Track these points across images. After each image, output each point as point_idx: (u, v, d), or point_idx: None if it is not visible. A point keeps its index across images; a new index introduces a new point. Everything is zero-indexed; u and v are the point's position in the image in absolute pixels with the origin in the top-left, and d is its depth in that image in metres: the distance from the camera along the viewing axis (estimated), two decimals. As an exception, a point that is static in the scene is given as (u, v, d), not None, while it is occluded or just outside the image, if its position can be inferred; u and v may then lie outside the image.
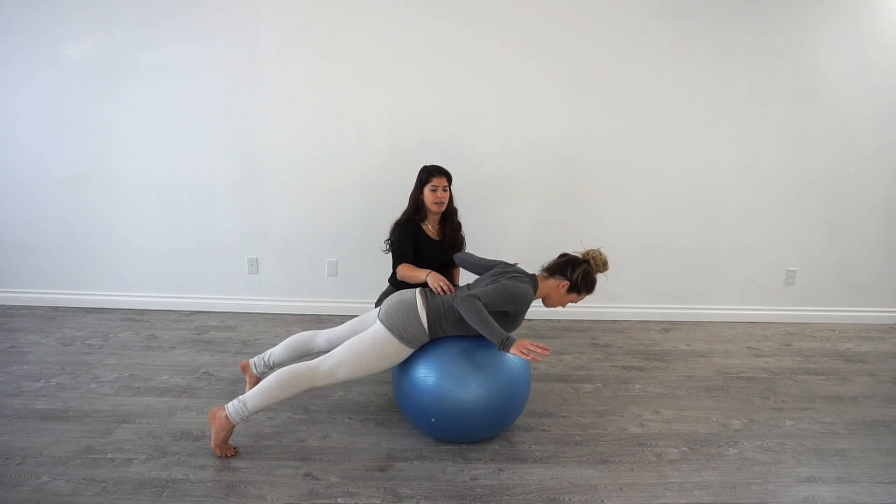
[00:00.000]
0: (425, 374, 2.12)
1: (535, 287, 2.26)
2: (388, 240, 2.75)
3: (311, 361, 2.14)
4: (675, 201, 3.74)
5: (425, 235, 2.71)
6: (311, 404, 2.52)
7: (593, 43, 3.49)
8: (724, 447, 2.30)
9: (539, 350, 1.93)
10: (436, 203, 2.66)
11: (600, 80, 3.54)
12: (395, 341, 2.13)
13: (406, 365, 2.20)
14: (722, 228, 3.80)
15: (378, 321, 2.19)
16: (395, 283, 2.70)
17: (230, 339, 3.28)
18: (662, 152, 3.66)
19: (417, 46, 3.44)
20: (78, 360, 2.91)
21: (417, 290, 2.27)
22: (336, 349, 2.17)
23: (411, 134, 3.54)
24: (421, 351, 2.18)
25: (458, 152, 3.50)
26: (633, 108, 3.59)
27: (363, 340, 2.14)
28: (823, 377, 3.03)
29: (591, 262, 2.30)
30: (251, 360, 2.47)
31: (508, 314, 2.17)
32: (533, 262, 2.43)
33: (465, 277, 2.72)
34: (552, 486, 2.00)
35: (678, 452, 2.25)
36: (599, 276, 2.33)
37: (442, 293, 2.24)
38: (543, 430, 2.38)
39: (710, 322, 3.88)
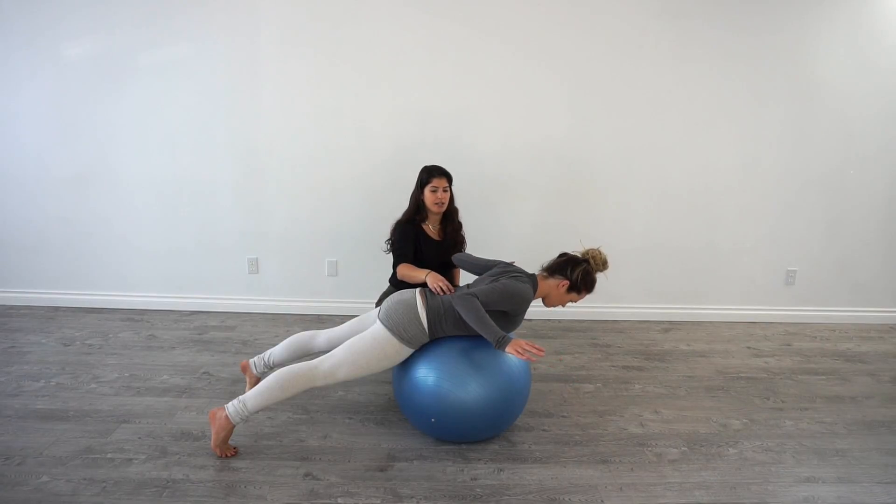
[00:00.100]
0: (425, 374, 2.12)
1: (535, 287, 2.26)
2: (388, 240, 2.76)
3: (311, 361, 2.14)
4: (675, 201, 3.74)
5: (426, 236, 2.71)
6: (311, 404, 2.52)
7: (593, 43, 3.49)
8: (724, 447, 2.30)
9: (534, 350, 1.93)
10: (436, 204, 2.66)
11: (600, 80, 3.54)
12: (395, 341, 2.13)
13: (406, 365, 2.20)
14: (722, 228, 3.80)
15: (378, 321, 2.19)
16: (396, 284, 2.70)
17: (230, 339, 3.28)
18: (662, 152, 3.66)
19: (417, 46, 3.44)
20: (78, 360, 2.91)
21: (417, 290, 2.27)
22: (336, 349, 2.17)
23: (411, 134, 3.54)
24: (421, 351, 2.18)
25: (458, 152, 3.50)
26: (633, 108, 3.59)
27: (363, 340, 2.14)
28: (823, 377, 3.03)
29: (591, 261, 2.30)
30: (251, 360, 2.47)
31: (508, 314, 2.17)
32: (533, 262, 2.43)
33: (466, 278, 2.72)
34: (552, 486, 2.00)
35: (678, 452, 2.25)
36: (599, 276, 2.33)
37: (441, 293, 2.24)
38: (543, 430, 2.38)
39: (710, 322, 3.88)
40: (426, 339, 2.17)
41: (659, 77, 3.55)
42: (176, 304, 3.75)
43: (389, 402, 2.57)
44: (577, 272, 2.25)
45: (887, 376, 3.07)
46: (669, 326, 3.78)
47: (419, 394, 2.12)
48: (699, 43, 3.52)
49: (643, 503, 1.94)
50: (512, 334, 2.35)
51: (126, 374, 2.77)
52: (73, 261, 3.70)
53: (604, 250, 2.34)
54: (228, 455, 2.11)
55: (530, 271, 2.33)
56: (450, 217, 2.78)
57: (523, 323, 3.61)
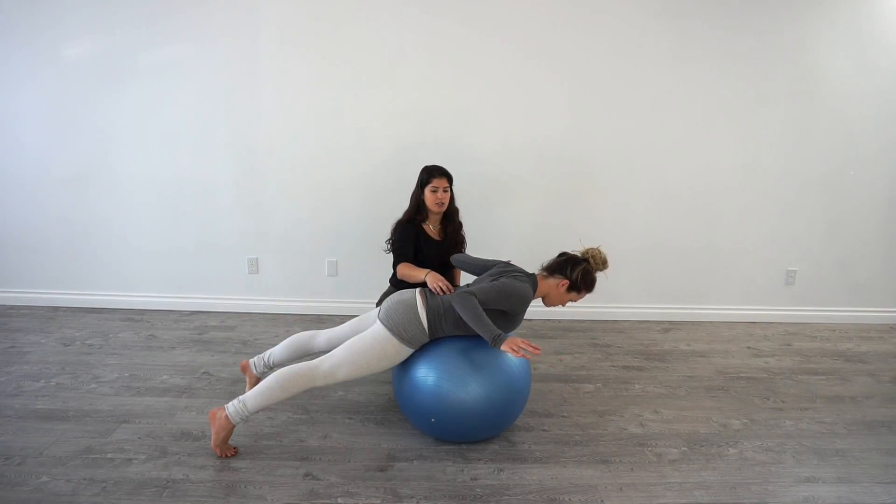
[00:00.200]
0: (425, 374, 2.12)
1: (535, 286, 2.26)
2: (389, 240, 2.76)
3: (311, 361, 2.14)
4: (675, 201, 3.74)
5: (426, 235, 2.71)
6: (311, 404, 2.52)
7: (593, 43, 3.49)
8: (724, 447, 2.30)
9: (530, 348, 1.93)
10: (437, 204, 2.66)
11: (600, 80, 3.54)
12: (395, 341, 2.13)
13: (406, 365, 2.20)
14: (722, 228, 3.80)
15: (378, 321, 2.19)
16: (396, 283, 2.70)
17: (230, 339, 3.28)
18: (662, 152, 3.66)
19: (417, 46, 3.44)
20: (78, 360, 2.91)
21: (417, 290, 2.27)
22: (336, 349, 2.17)
23: (411, 134, 3.54)
24: (421, 351, 2.18)
25: (458, 152, 3.50)
26: (633, 108, 3.59)
27: (363, 340, 2.14)
28: (823, 377, 3.03)
29: (591, 260, 2.30)
30: (251, 360, 2.47)
31: (507, 313, 2.17)
32: (533, 262, 2.43)
33: (466, 278, 2.72)
34: (552, 486, 2.00)
35: (678, 452, 2.25)
36: (599, 275, 2.33)
37: (441, 293, 2.24)
38: (543, 430, 2.38)
39: (710, 322, 3.88)
40: (426, 339, 2.17)
41: (659, 77, 3.55)
42: (176, 304, 3.75)
43: (389, 402, 2.57)
44: (577, 271, 2.26)
45: (887, 376, 3.07)
46: (669, 326, 3.78)
47: (419, 394, 2.12)
48: (699, 43, 3.52)
49: (643, 503, 1.94)
50: (511, 334, 2.35)
51: (126, 374, 2.77)
52: (73, 261, 3.70)
53: (603, 250, 2.34)
54: (228, 455, 2.11)
55: (530, 271, 2.34)
56: (450, 217, 2.78)
57: (523, 323, 3.61)
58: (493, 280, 2.20)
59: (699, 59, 3.54)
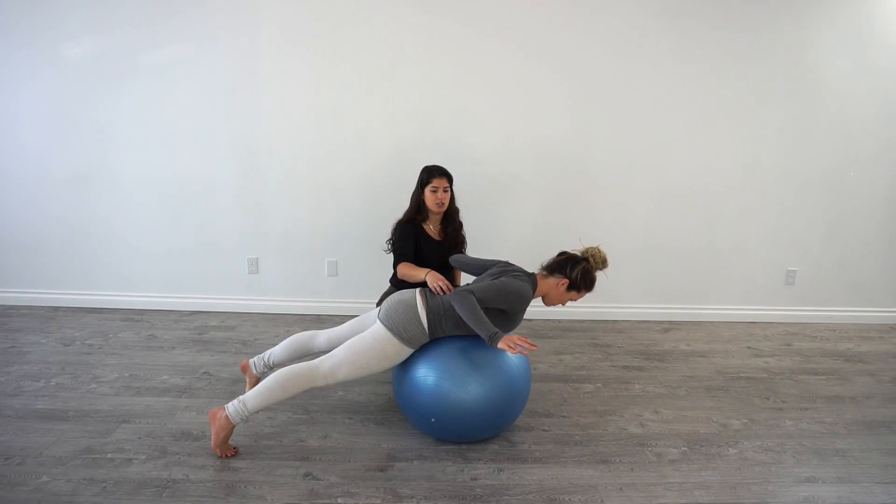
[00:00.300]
0: (425, 374, 2.12)
1: (534, 286, 2.26)
2: (389, 240, 2.76)
3: (311, 361, 2.14)
4: (675, 201, 3.74)
5: (427, 235, 2.71)
6: (311, 404, 2.52)
7: (593, 43, 3.49)
8: (724, 447, 2.30)
9: (526, 345, 1.93)
10: (437, 204, 2.66)
11: (600, 80, 3.54)
12: (395, 341, 2.13)
13: (406, 365, 2.20)
14: (722, 228, 3.80)
15: (378, 321, 2.19)
16: (397, 283, 2.70)
17: (230, 339, 3.28)
18: (662, 152, 3.66)
19: (417, 47, 3.44)
20: (78, 360, 2.91)
21: (417, 290, 2.27)
22: (336, 349, 2.17)
23: (411, 134, 3.54)
24: (421, 351, 2.18)
25: (458, 152, 3.50)
26: (633, 108, 3.59)
27: (363, 340, 2.14)
28: (823, 377, 3.03)
29: (591, 259, 2.30)
30: (251, 360, 2.47)
31: (507, 313, 2.17)
32: (533, 262, 2.43)
33: (467, 278, 2.72)
34: (552, 486, 2.00)
35: (678, 452, 2.25)
36: (599, 274, 2.33)
37: (441, 293, 2.24)
38: (543, 430, 2.38)
39: (710, 322, 3.88)
40: (426, 339, 2.17)
41: (659, 77, 3.55)
42: (176, 304, 3.75)
43: (389, 402, 2.57)
44: (577, 270, 2.26)
45: (887, 376, 3.07)
46: (669, 326, 3.78)
47: (419, 394, 2.12)
48: (699, 43, 3.52)
49: (643, 503, 1.94)
50: (510, 333, 2.35)
51: (126, 374, 2.77)
52: (73, 261, 3.70)
53: (603, 249, 2.34)
54: (228, 455, 2.11)
55: (530, 270, 2.34)
56: (450, 217, 2.78)
57: (523, 323, 3.61)
58: (494, 279, 2.20)
59: (699, 59, 3.54)
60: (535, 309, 2.48)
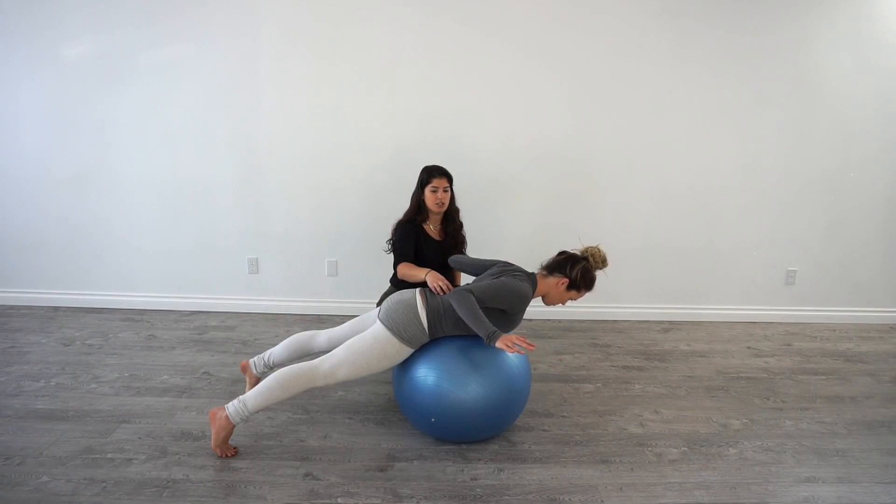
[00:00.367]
0: (425, 373, 2.12)
1: (534, 285, 2.26)
2: (389, 240, 2.76)
3: (311, 361, 2.14)
4: (675, 201, 3.74)
5: (427, 236, 2.71)
6: (311, 404, 2.52)
7: (593, 43, 3.49)
8: (724, 447, 2.30)
9: (523, 344, 1.93)
10: (437, 204, 2.66)
11: (600, 80, 3.54)
12: (395, 341, 2.13)
13: (406, 365, 2.20)
14: (722, 228, 3.80)
15: (378, 321, 2.19)
16: (397, 283, 2.70)
17: (230, 339, 3.28)
18: (662, 152, 3.66)
19: (417, 47, 3.44)
20: (78, 360, 2.91)
21: (417, 290, 2.27)
22: (336, 349, 2.17)
23: (411, 134, 3.54)
24: (421, 351, 2.18)
25: (458, 152, 3.50)
26: (633, 108, 3.59)
27: (363, 340, 2.14)
28: (823, 377, 3.03)
29: (590, 258, 2.30)
30: (251, 360, 2.47)
31: (506, 312, 2.17)
32: (533, 262, 2.43)
33: (467, 278, 2.72)
34: (552, 486, 2.00)
35: (678, 452, 2.25)
36: (598, 274, 2.33)
37: (441, 293, 2.24)
38: (543, 430, 2.38)
39: (710, 322, 3.88)
40: (426, 339, 2.17)
41: (659, 77, 3.55)
42: (176, 304, 3.75)
43: (389, 402, 2.57)
44: (577, 270, 2.26)
45: (887, 376, 3.07)
46: (669, 326, 3.78)
47: (419, 394, 2.12)
48: (699, 43, 3.52)
49: (643, 503, 1.94)
50: (510, 333, 2.35)
51: (126, 374, 2.77)
52: (73, 261, 3.70)
53: (602, 248, 2.34)
54: (228, 455, 2.11)
55: (530, 270, 2.33)
56: (451, 217, 2.78)
57: (523, 323, 3.61)
58: (493, 279, 2.20)
59: (699, 59, 3.54)
60: (535, 309, 2.48)
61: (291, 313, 3.76)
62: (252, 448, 2.17)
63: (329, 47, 3.43)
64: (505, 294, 2.12)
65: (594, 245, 2.35)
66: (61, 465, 2.02)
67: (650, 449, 2.27)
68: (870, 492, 2.04)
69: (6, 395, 2.53)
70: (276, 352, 2.43)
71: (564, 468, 2.12)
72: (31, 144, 3.53)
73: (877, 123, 3.67)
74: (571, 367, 3.06)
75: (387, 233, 2.78)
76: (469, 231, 2.93)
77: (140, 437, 2.21)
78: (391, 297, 2.28)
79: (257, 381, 2.46)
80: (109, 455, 2.09)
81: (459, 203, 2.83)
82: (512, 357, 2.18)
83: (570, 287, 2.28)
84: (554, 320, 3.80)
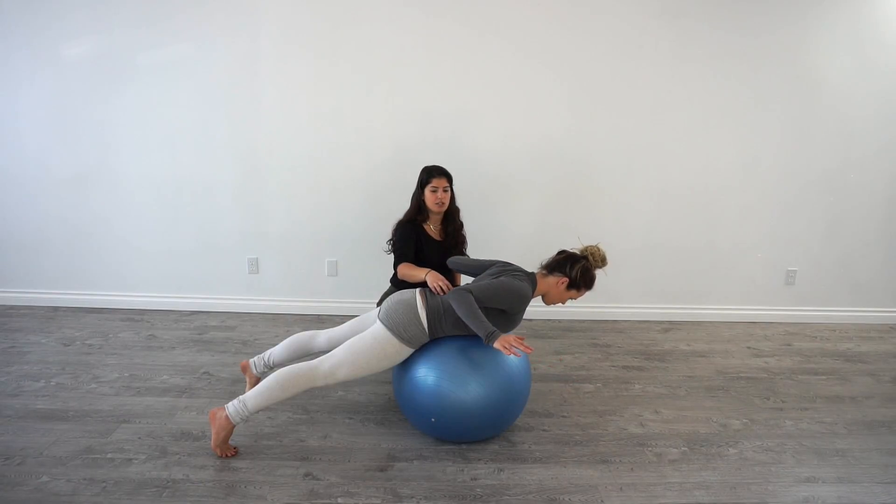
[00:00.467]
0: (425, 373, 2.12)
1: (534, 285, 2.26)
2: (390, 240, 2.76)
3: (311, 361, 2.14)
4: (675, 201, 3.74)
5: (427, 236, 2.71)
6: (311, 404, 2.52)
7: (593, 43, 3.49)
8: (724, 447, 2.30)
9: (521, 346, 1.93)
10: (437, 204, 2.66)
11: (600, 80, 3.54)
12: (395, 341, 2.13)
13: (406, 365, 2.20)
14: (722, 228, 3.80)
15: (378, 321, 2.19)
16: (397, 283, 2.70)
17: (230, 339, 3.28)
18: (662, 152, 3.66)
19: (417, 47, 3.44)
20: (78, 360, 2.91)
21: (417, 290, 2.27)
22: (336, 349, 2.17)
23: (411, 134, 3.54)
24: (421, 351, 2.18)
25: (458, 152, 3.50)
26: (633, 108, 3.59)
27: (363, 340, 2.14)
28: (823, 377, 3.03)
29: (590, 258, 2.30)
30: (251, 360, 2.47)
31: (506, 312, 2.17)
32: (533, 262, 2.43)
33: (467, 278, 2.72)
34: (552, 486, 2.00)
35: (678, 452, 2.25)
36: (598, 273, 2.33)
37: (441, 293, 2.24)
38: (543, 430, 2.38)
39: (710, 322, 3.88)
40: (426, 339, 2.17)
41: (659, 77, 3.55)
42: (176, 304, 3.75)
43: (389, 402, 2.57)
44: (577, 269, 2.26)
45: (887, 376, 3.07)
46: (669, 326, 3.78)
47: (419, 394, 2.12)
48: (699, 43, 3.52)
49: (643, 503, 1.94)
50: (510, 333, 2.35)
51: (126, 374, 2.77)
52: (73, 261, 3.70)
53: (602, 247, 2.34)
54: (228, 455, 2.11)
55: (529, 270, 2.33)
56: (451, 217, 2.78)
57: (523, 323, 3.61)
58: (493, 279, 2.20)
59: (699, 59, 3.54)
60: (536, 309, 2.48)
61: (291, 313, 3.76)
62: (252, 448, 2.18)
63: (329, 47, 3.43)
64: (504, 294, 2.12)
65: (594, 244, 2.35)
66: (61, 465, 2.02)
67: (650, 449, 2.27)
68: (870, 492, 2.04)
69: (6, 395, 2.53)
70: (275, 352, 2.43)
71: (564, 468, 2.12)
72: (31, 144, 3.53)
73: (877, 123, 3.67)
74: (571, 367, 3.06)
75: (387, 233, 2.78)
76: (469, 231, 2.93)
77: (140, 437, 2.21)
78: (391, 297, 2.28)
79: (257, 381, 2.46)
80: (109, 455, 2.09)
81: (459, 203, 2.83)
82: (512, 357, 2.18)
83: (570, 286, 2.28)
84: (554, 320, 3.80)
